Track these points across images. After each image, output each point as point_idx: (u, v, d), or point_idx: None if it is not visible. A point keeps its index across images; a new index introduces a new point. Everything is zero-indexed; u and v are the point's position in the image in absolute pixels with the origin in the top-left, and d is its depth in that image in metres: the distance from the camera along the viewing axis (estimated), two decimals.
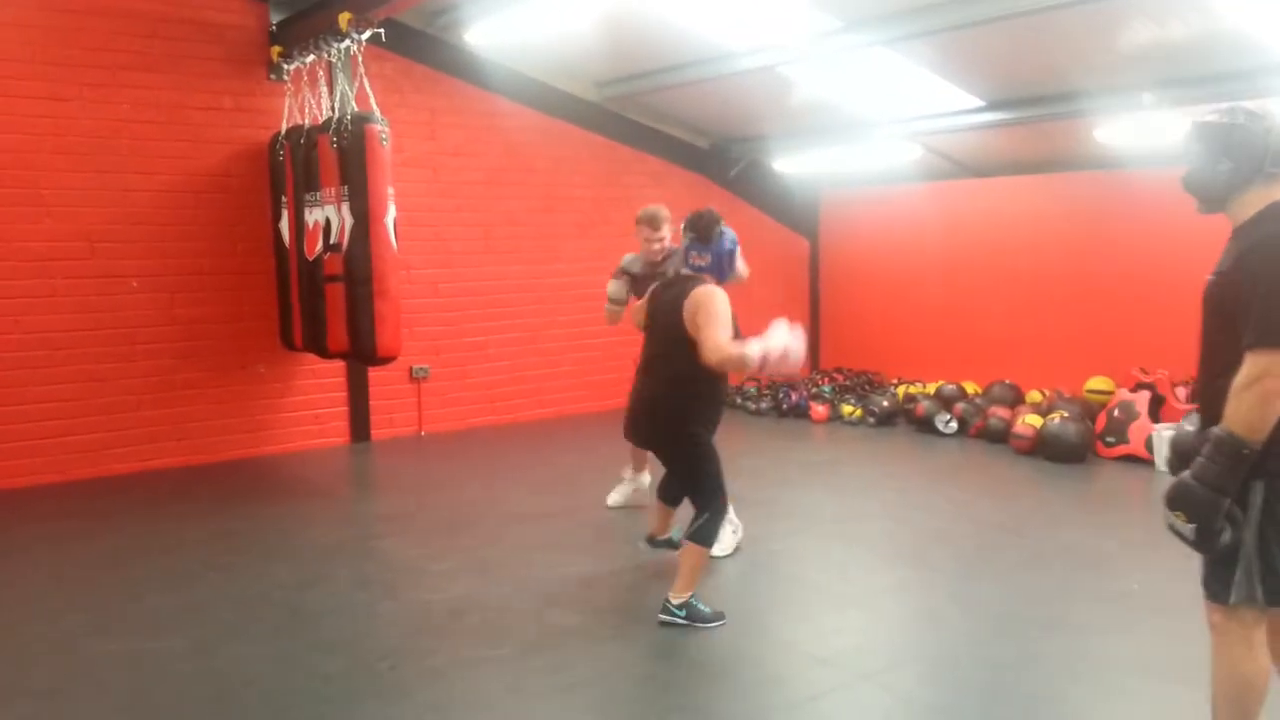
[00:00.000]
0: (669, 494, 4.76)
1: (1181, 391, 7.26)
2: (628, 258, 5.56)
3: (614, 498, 5.99)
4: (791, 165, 9.90)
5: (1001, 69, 7.13)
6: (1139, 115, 6.92)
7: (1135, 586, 4.60)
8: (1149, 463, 6.80)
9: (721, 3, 6.74)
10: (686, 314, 4.08)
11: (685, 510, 4.44)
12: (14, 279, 6.44)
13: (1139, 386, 7.25)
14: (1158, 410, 7.10)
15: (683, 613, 4.21)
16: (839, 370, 10.15)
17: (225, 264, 7.22)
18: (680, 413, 4.24)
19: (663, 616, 4.21)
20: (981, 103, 7.64)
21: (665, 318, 4.23)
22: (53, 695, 3.65)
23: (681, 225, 4.43)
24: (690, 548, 4.22)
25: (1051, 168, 8.64)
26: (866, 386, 9.55)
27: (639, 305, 4.68)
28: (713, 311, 4.02)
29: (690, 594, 4.23)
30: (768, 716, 3.44)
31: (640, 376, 4.43)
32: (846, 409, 8.66)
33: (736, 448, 7.71)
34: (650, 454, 5.23)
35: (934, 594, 4.63)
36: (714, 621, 4.22)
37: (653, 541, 4.94)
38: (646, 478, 5.84)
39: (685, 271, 4.36)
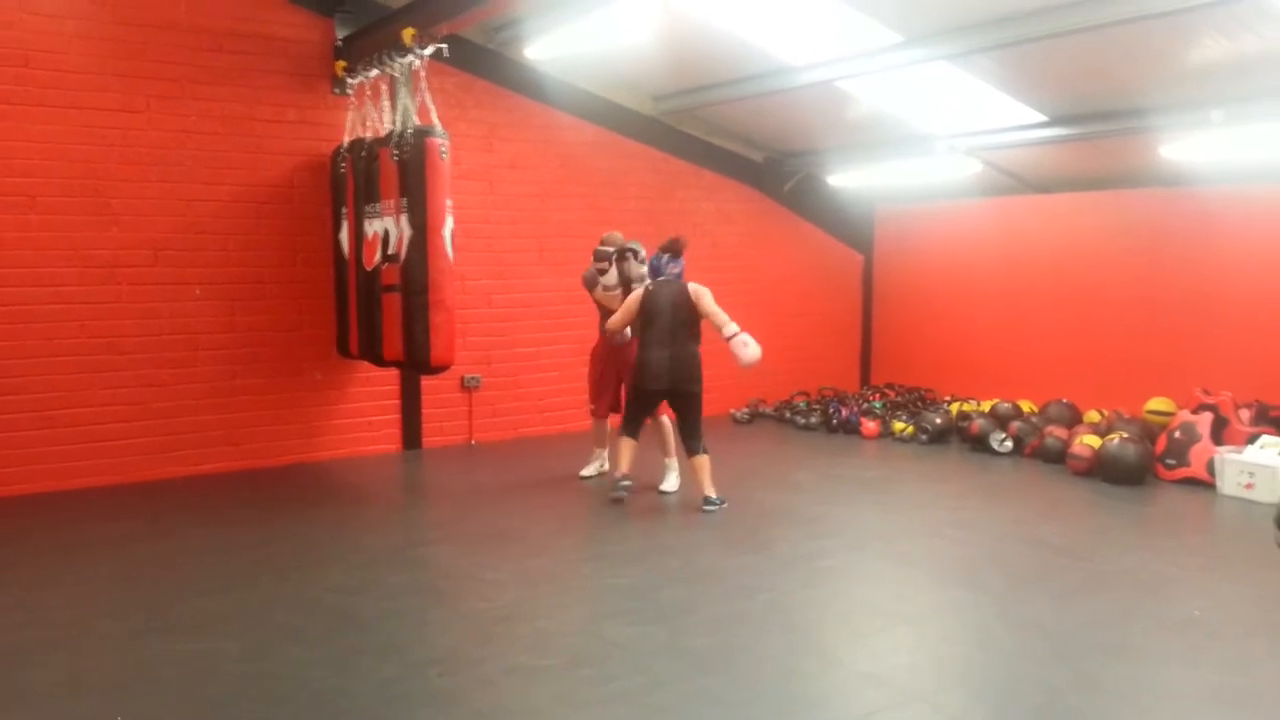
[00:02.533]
0: (635, 430, 6.35)
1: (1245, 414, 7.08)
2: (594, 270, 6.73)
3: (587, 470, 7.04)
4: (846, 180, 9.84)
5: (1065, 84, 7.04)
6: (1208, 132, 6.78)
7: (1197, 613, 4.49)
8: (1211, 486, 6.63)
9: (781, 18, 6.74)
10: (694, 301, 6.08)
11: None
12: (81, 285, 6.61)
13: (1201, 408, 7.07)
14: (1220, 433, 6.93)
15: (721, 500, 6.13)
16: (890, 386, 10.05)
17: (285, 273, 7.35)
18: (699, 369, 6.16)
19: (708, 508, 6.08)
20: (1044, 118, 7.55)
21: (672, 305, 6.09)
22: (113, 692, 3.73)
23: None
24: (703, 459, 6.15)
25: (1115, 184, 8.49)
26: (919, 403, 9.44)
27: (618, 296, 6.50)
28: (713, 299, 6.11)
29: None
30: None
31: (657, 347, 6.08)
32: (898, 426, 8.56)
33: (785, 463, 7.70)
34: (607, 429, 6.99)
35: (987, 615, 4.55)
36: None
37: (626, 487, 6.22)
38: (606, 451, 7.03)
39: (663, 277, 6.19)
